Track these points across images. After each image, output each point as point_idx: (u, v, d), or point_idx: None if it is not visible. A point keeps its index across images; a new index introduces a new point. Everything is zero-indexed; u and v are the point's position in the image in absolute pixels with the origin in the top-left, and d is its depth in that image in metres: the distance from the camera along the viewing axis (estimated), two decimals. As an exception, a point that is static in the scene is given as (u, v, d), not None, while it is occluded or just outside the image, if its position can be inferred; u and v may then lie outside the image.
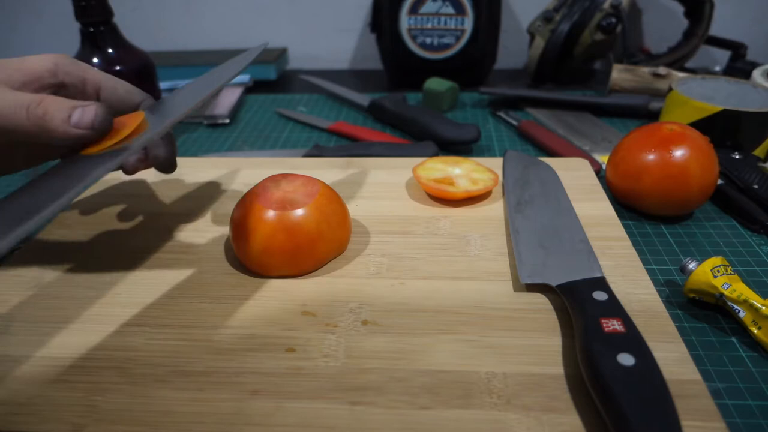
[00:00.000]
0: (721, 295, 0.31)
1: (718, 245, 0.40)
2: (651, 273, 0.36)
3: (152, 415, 0.25)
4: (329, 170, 0.47)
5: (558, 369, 0.27)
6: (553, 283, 0.31)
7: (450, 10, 0.71)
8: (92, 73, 0.35)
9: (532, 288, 0.32)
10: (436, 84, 0.66)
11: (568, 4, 0.72)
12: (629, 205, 0.44)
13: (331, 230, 0.34)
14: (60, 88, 0.33)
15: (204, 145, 0.61)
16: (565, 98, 0.65)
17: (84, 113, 0.29)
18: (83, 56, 0.54)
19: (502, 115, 0.64)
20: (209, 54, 0.85)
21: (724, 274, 0.32)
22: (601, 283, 0.30)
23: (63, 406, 0.25)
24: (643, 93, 0.66)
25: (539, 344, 0.28)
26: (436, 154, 0.53)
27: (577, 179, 0.44)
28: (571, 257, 0.33)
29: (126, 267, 0.35)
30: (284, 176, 0.36)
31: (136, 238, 0.39)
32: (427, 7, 0.71)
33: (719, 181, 0.44)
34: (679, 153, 0.39)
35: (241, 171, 0.47)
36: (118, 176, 0.46)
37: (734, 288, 0.31)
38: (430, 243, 0.37)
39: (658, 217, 0.43)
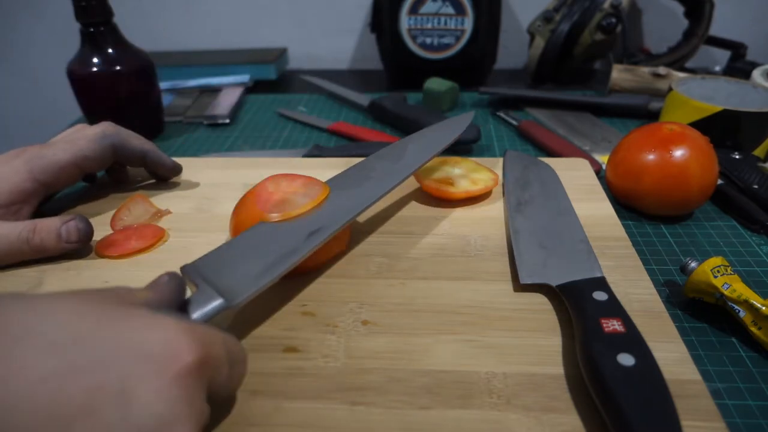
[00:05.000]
0: (721, 295, 0.31)
1: (718, 245, 0.40)
2: (651, 273, 0.36)
3: (152, 415, 0.25)
4: (329, 170, 0.47)
5: (558, 369, 0.27)
6: (553, 283, 0.31)
7: (450, 10, 0.71)
8: (65, 157, 0.38)
9: (532, 288, 0.32)
10: (436, 84, 0.66)
11: (568, 4, 0.72)
12: (629, 205, 0.44)
13: (331, 230, 0.34)
14: (41, 187, 0.37)
15: (204, 145, 0.61)
16: (565, 98, 0.65)
17: (69, 231, 0.35)
18: (83, 56, 0.55)
19: (502, 115, 0.64)
20: (209, 54, 0.85)
21: (724, 274, 0.32)
22: (601, 283, 0.30)
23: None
24: (643, 93, 0.66)
25: (539, 344, 0.28)
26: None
27: (577, 179, 0.44)
28: (571, 257, 0.33)
29: (126, 267, 0.35)
30: (284, 176, 0.36)
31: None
32: (427, 7, 0.71)
33: (719, 181, 0.44)
34: (679, 153, 0.39)
35: (241, 171, 0.47)
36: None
37: (734, 288, 0.31)
38: (430, 243, 0.37)
39: (658, 217, 0.43)
